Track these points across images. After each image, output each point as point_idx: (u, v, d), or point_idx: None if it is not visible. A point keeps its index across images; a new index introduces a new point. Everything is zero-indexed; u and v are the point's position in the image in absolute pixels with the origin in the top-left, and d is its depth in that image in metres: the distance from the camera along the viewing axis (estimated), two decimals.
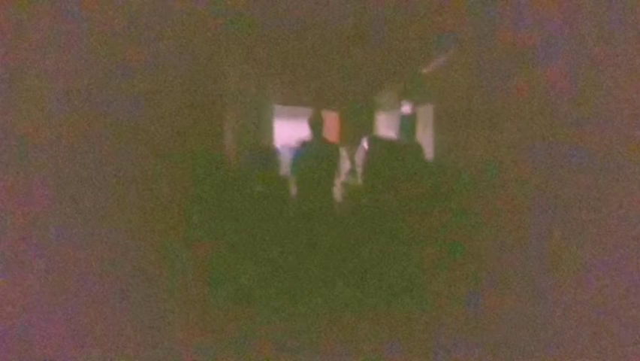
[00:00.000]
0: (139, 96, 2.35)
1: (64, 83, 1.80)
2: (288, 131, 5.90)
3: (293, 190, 4.69)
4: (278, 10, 3.01)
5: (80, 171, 1.91)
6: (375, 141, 4.95)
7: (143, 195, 2.46)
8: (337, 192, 5.94)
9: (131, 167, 2.31)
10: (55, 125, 1.75)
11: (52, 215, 1.74)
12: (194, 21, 2.87)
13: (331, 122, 6.79)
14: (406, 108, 5.39)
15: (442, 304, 2.68)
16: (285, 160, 5.03)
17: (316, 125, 4.22)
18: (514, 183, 2.43)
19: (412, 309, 2.68)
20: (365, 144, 5.04)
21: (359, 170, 5.19)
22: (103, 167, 2.07)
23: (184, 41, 2.81)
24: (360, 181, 5.10)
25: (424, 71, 4.72)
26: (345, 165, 5.78)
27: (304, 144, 4.32)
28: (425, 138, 4.82)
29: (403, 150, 4.78)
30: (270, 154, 4.41)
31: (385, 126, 6.35)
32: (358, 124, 6.77)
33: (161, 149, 2.65)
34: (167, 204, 2.76)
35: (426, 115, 4.87)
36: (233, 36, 3.61)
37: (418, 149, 4.70)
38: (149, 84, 2.43)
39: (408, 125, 5.38)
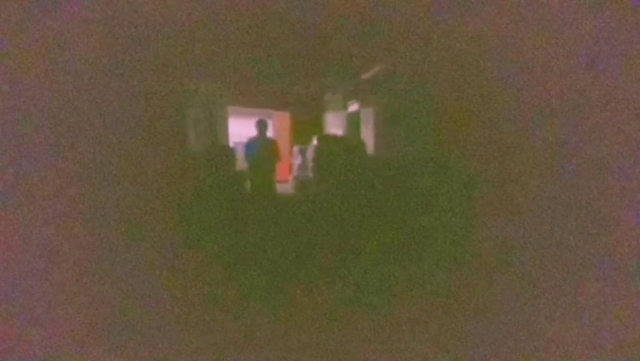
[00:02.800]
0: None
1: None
2: (242, 130, 6.56)
3: (247, 183, 5.34)
4: (233, 17, 3.10)
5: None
6: (323, 138, 5.50)
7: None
8: (291, 185, 7.05)
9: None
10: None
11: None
12: (154, 27, 2.90)
13: (284, 122, 7.72)
14: (352, 108, 6.15)
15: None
16: (240, 156, 5.73)
17: (260, 125, 5.01)
18: (447, 176, 2.72)
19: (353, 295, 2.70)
20: (315, 141, 5.68)
21: (310, 165, 5.89)
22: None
23: (145, 47, 2.82)
24: (310, 175, 5.81)
25: (367, 75, 5.16)
26: (297, 160, 6.71)
27: (253, 142, 5.03)
28: (367, 134, 5.46)
29: (348, 146, 5.27)
30: (225, 151, 5.01)
31: (333, 125, 7.16)
32: (308, 123, 7.57)
33: (128, 149, 2.60)
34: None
35: (368, 115, 5.48)
36: (193, 43, 3.76)
37: (361, 145, 5.28)
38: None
39: (353, 124, 6.16)
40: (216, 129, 6.03)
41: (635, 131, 1.42)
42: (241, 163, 5.68)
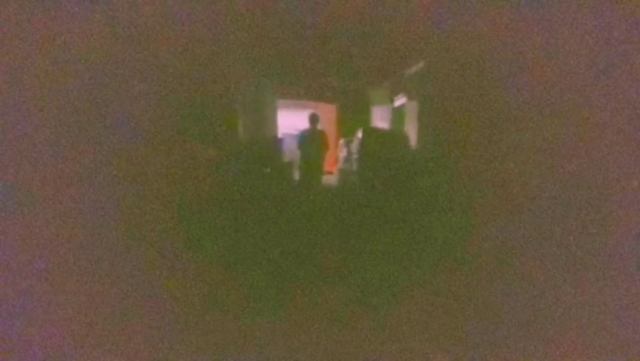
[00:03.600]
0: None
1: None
2: (291, 122, 7.01)
3: (296, 174, 5.66)
4: (279, 13, 3.19)
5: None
6: (368, 131, 5.57)
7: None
8: (336, 177, 7.25)
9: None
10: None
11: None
12: (199, 25, 2.95)
13: (331, 115, 7.85)
14: (397, 102, 6.11)
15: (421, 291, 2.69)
16: (288, 147, 6.21)
17: (312, 117, 5.29)
18: (493, 174, 2.68)
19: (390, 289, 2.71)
20: (360, 134, 5.71)
21: (354, 157, 5.95)
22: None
23: (190, 44, 2.88)
24: (355, 167, 5.85)
25: (413, 70, 5.20)
26: (342, 153, 6.91)
27: (304, 133, 5.34)
28: (411, 128, 5.42)
29: (392, 139, 5.42)
30: (274, 142, 5.27)
31: (379, 118, 7.16)
32: (355, 117, 7.62)
33: (167, 146, 2.66)
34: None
35: (412, 109, 5.44)
36: (238, 39, 3.91)
37: (405, 138, 5.32)
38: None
39: (398, 117, 6.13)
40: (266, 121, 6.28)
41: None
42: (289, 154, 6.11)
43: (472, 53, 2.82)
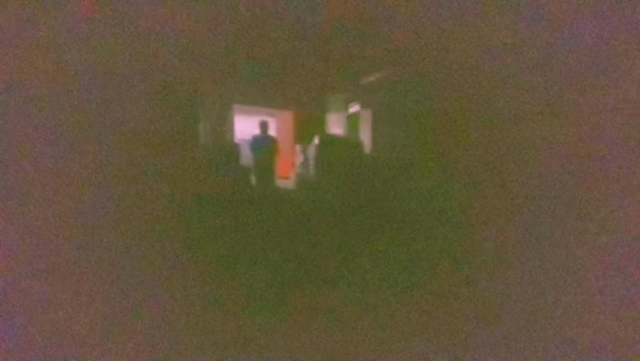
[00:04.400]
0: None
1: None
2: (248, 128, 7.19)
3: (252, 178, 5.87)
4: (242, 21, 3.35)
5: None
6: (324, 137, 5.89)
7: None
8: (292, 182, 7.46)
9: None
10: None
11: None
12: (169, 36, 3.02)
13: (287, 121, 8.14)
14: (353, 109, 6.51)
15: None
16: (245, 152, 6.43)
17: (262, 125, 5.66)
18: (444, 175, 2.87)
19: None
20: (316, 140, 6.04)
21: (311, 163, 6.30)
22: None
23: (159, 51, 2.92)
24: (311, 172, 6.18)
25: (367, 79, 5.60)
26: (299, 158, 7.11)
27: (256, 139, 5.61)
28: (365, 135, 5.91)
29: (347, 145, 5.77)
30: (231, 147, 5.49)
31: (335, 125, 7.55)
32: (311, 123, 7.97)
33: (167, 146, 2.66)
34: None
35: (367, 116, 5.94)
36: (204, 48, 4.09)
37: (360, 145, 5.75)
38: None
39: (353, 124, 6.56)
40: (223, 127, 6.60)
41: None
42: (245, 159, 6.38)
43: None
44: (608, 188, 1.55)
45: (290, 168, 7.92)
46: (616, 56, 1.50)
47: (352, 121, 6.67)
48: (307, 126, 7.90)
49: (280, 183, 7.10)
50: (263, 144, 5.61)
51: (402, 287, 2.98)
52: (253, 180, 5.97)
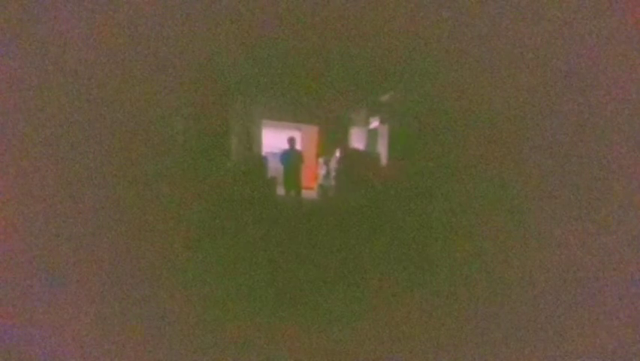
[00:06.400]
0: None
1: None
2: (276, 142, 8.32)
3: (279, 189, 6.58)
4: (269, 40, 3.46)
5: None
6: (345, 151, 6.41)
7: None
8: (316, 192, 8.24)
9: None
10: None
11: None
12: (198, 46, 3.11)
13: (312, 135, 8.96)
14: (373, 125, 7.06)
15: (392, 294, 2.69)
16: (272, 165, 7.50)
17: (290, 141, 6.25)
18: (460, 187, 2.92)
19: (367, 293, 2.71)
20: (338, 153, 6.59)
21: (333, 174, 6.81)
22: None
23: (192, 62, 3.02)
24: (333, 183, 6.68)
25: (385, 97, 6.08)
26: (322, 170, 7.78)
27: (285, 152, 6.25)
28: (383, 148, 6.48)
29: (366, 158, 6.30)
30: (258, 160, 5.90)
31: (357, 139, 8.22)
32: (334, 137, 8.75)
33: (161, 153, 2.67)
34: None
35: (384, 131, 6.48)
36: (231, 63, 4.30)
37: (377, 158, 6.29)
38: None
39: (373, 138, 7.21)
40: (252, 140, 7.32)
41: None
42: (272, 171, 7.52)
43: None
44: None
45: (314, 179, 8.83)
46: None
47: (373, 135, 7.28)
48: (331, 140, 8.72)
49: (305, 193, 7.66)
50: (291, 158, 6.22)
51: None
52: (281, 189, 6.67)
